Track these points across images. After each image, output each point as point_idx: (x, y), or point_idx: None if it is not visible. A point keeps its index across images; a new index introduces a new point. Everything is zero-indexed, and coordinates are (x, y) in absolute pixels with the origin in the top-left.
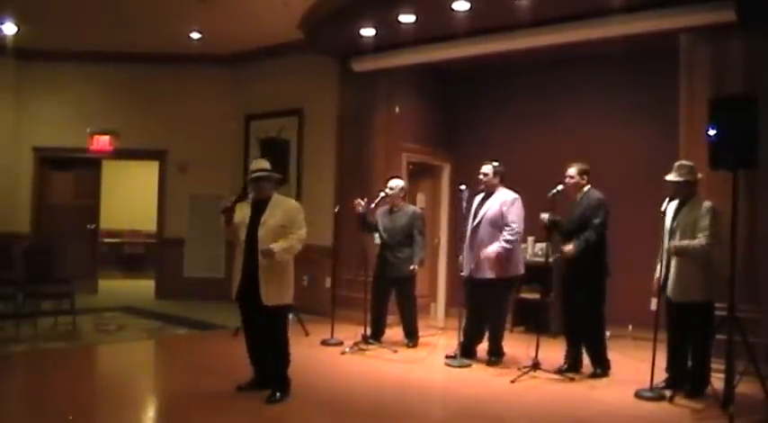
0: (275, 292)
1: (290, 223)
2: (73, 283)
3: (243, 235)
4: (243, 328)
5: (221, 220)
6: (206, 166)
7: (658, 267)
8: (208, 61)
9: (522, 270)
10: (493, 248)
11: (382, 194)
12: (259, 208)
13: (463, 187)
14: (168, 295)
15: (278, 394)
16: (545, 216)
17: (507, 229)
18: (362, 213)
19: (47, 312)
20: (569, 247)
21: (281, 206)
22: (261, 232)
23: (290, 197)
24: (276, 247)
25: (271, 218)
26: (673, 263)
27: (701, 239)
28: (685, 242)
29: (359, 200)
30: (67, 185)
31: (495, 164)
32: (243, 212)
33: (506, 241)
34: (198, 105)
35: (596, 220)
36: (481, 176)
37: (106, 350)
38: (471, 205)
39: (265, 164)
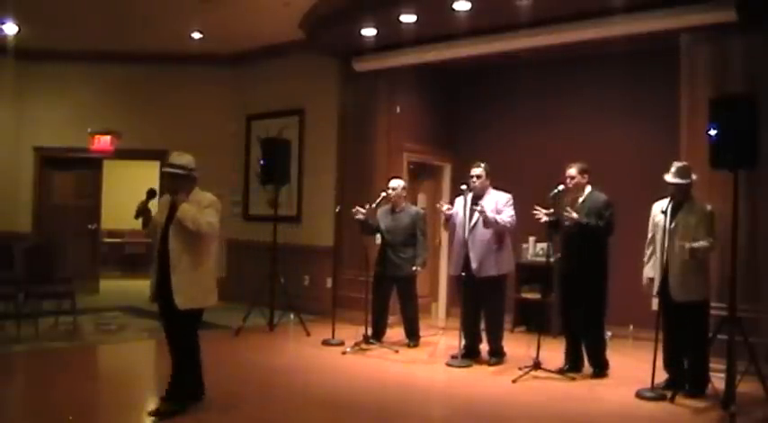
0: (190, 296)
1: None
2: (74, 283)
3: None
4: (165, 334)
5: (141, 222)
6: (206, 166)
7: (649, 267)
8: (209, 61)
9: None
10: (496, 217)
11: (383, 194)
12: (174, 206)
13: (464, 187)
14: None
15: (168, 407)
16: (542, 212)
17: (505, 214)
18: (363, 219)
19: (48, 312)
20: (573, 215)
21: (197, 201)
22: (171, 230)
23: (291, 196)
24: (188, 206)
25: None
26: (676, 263)
27: (712, 242)
28: (698, 244)
29: (357, 208)
30: (68, 185)
31: (485, 165)
32: (161, 212)
33: (504, 222)
34: (199, 105)
35: (607, 213)
36: (474, 179)
37: (107, 350)
38: (459, 207)
39: (180, 158)
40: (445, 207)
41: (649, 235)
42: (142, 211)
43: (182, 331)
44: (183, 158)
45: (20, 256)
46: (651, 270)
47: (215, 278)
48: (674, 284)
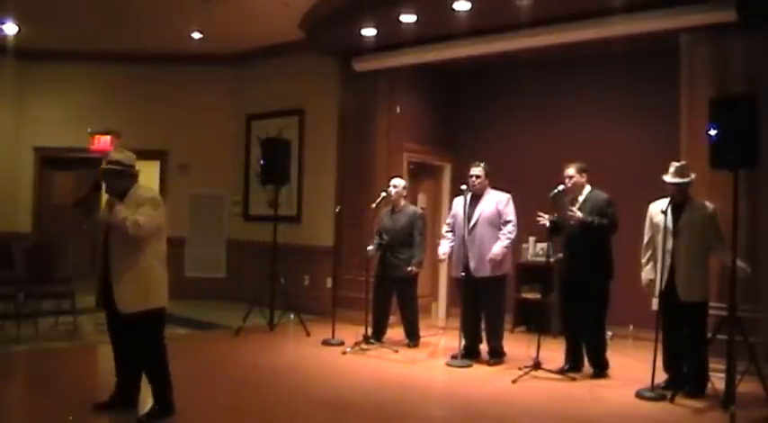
0: (133, 298)
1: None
2: (74, 283)
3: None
4: (110, 337)
5: (78, 214)
6: (207, 167)
7: (648, 268)
8: (209, 61)
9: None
10: (498, 249)
11: (383, 194)
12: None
13: (464, 187)
14: (169, 295)
15: (154, 415)
16: (545, 217)
17: (507, 227)
18: (377, 247)
19: (48, 312)
20: (578, 215)
21: (134, 200)
22: (110, 233)
23: (290, 196)
24: (116, 214)
25: (120, 213)
26: (683, 264)
27: (725, 248)
28: (721, 254)
29: (369, 248)
30: (68, 185)
31: (484, 165)
32: (105, 211)
33: (508, 240)
34: (199, 105)
35: (609, 211)
36: (473, 179)
37: (107, 350)
38: (459, 207)
39: (118, 154)
40: (442, 254)
41: (647, 236)
42: (82, 201)
43: (136, 337)
44: (121, 154)
45: (20, 256)
46: (651, 271)
47: (164, 277)
48: (682, 285)
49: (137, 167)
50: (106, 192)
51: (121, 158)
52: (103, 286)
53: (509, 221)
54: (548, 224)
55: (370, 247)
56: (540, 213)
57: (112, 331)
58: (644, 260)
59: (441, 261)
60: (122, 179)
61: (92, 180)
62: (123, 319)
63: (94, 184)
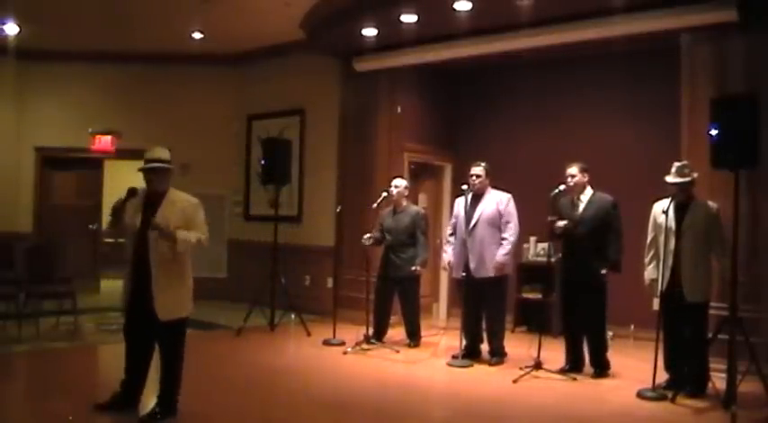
0: (172, 305)
1: (185, 224)
2: (75, 283)
3: (132, 238)
4: (125, 337)
5: (109, 221)
6: (208, 167)
7: (652, 267)
8: (210, 61)
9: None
10: (501, 258)
11: (384, 194)
12: (152, 207)
13: (465, 187)
14: None
15: (158, 415)
16: (560, 223)
17: (508, 230)
18: (374, 240)
19: (49, 312)
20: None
21: (177, 205)
22: (153, 236)
23: (291, 196)
24: (180, 233)
25: (164, 219)
26: (688, 265)
27: (726, 256)
28: (720, 258)
29: (366, 236)
30: (69, 185)
31: (485, 164)
32: (133, 211)
33: (510, 245)
34: (200, 105)
35: (617, 225)
36: (474, 178)
37: (108, 350)
38: (460, 207)
39: (162, 152)
40: (446, 262)
41: (650, 236)
42: (122, 208)
43: (168, 344)
44: (161, 152)
45: (21, 257)
46: (654, 271)
47: (192, 285)
48: (687, 286)
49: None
50: (149, 190)
51: (166, 156)
52: (138, 292)
53: (509, 222)
54: (560, 228)
55: (367, 236)
56: (559, 223)
57: (131, 333)
58: (647, 260)
59: (444, 269)
60: (168, 177)
61: (128, 188)
62: (158, 325)
63: (131, 190)
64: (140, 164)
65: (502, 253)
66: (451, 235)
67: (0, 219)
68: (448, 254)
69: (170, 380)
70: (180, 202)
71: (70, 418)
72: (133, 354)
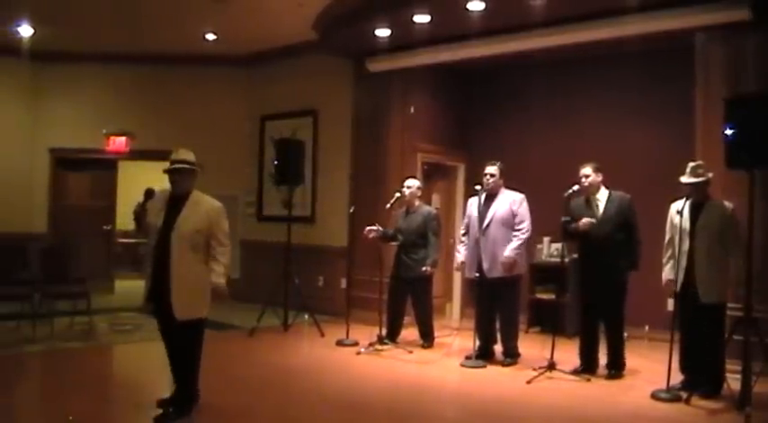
0: (188, 306)
1: (208, 228)
2: (89, 284)
3: (153, 237)
4: (162, 338)
5: (135, 227)
6: (221, 167)
7: (669, 267)
8: (223, 62)
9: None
10: (509, 252)
11: (397, 195)
12: (175, 207)
13: (478, 187)
14: None
15: (171, 416)
16: (586, 220)
17: (520, 229)
18: (380, 235)
19: (63, 312)
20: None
21: (201, 207)
22: (175, 237)
23: (304, 196)
24: (221, 281)
25: (187, 220)
26: (703, 265)
27: (741, 256)
28: (739, 264)
29: (369, 228)
30: (83, 186)
31: (499, 164)
32: (157, 211)
33: (520, 241)
34: (213, 106)
35: (634, 222)
36: (488, 178)
37: (122, 350)
38: (474, 207)
39: (187, 154)
40: (459, 262)
41: (667, 236)
42: (142, 211)
43: (185, 342)
44: (189, 154)
45: (35, 257)
46: (671, 271)
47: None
48: (701, 286)
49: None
50: (174, 191)
51: (191, 158)
52: (157, 288)
53: (522, 222)
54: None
55: (370, 228)
56: (566, 218)
57: (165, 334)
58: (664, 260)
59: (457, 269)
60: (193, 178)
61: (145, 189)
62: (175, 324)
63: (148, 191)
64: (154, 164)
65: (511, 248)
66: (464, 235)
67: (15, 219)
68: (461, 254)
69: (185, 380)
70: (204, 205)
71: (70, 417)
72: (168, 352)
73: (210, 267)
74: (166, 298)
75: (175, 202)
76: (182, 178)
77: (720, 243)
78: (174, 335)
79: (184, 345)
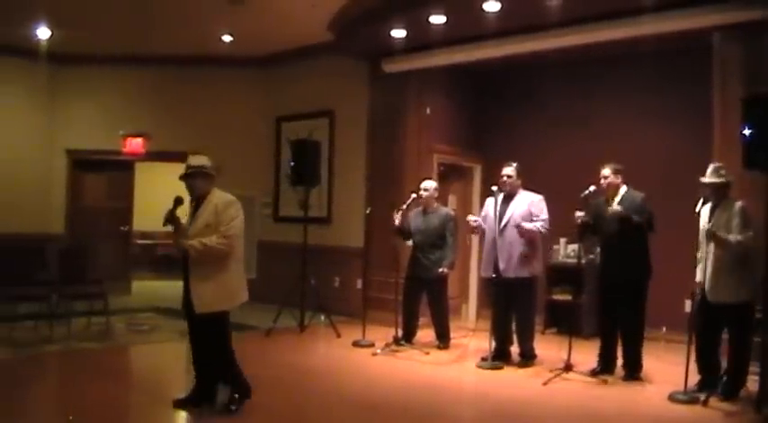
0: (208, 300)
1: (215, 221)
2: (106, 284)
3: None
4: (189, 335)
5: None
6: (237, 168)
7: (699, 269)
8: (239, 63)
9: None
10: (528, 225)
11: (413, 196)
12: (197, 209)
13: (495, 188)
14: None
15: (235, 396)
16: (579, 214)
17: (542, 222)
18: (400, 225)
19: (80, 313)
20: (617, 208)
21: (212, 202)
22: (190, 235)
23: (321, 197)
24: (186, 241)
25: (199, 217)
26: (712, 264)
27: (735, 236)
28: (724, 235)
29: (394, 214)
30: (100, 187)
31: (516, 164)
32: (188, 215)
33: (541, 227)
34: (229, 107)
35: (647, 209)
36: (505, 178)
37: (139, 351)
38: (491, 207)
39: (199, 159)
40: (472, 219)
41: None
42: (170, 219)
43: (209, 336)
44: (204, 159)
45: (53, 258)
46: (700, 274)
47: (242, 279)
48: (708, 285)
49: (214, 169)
50: (190, 195)
51: (202, 163)
52: (185, 289)
53: (543, 219)
54: (580, 221)
55: (474, 217)
56: (578, 213)
57: (191, 331)
58: (697, 261)
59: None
60: (207, 182)
61: (174, 196)
62: (198, 318)
63: (177, 199)
64: (170, 165)
65: (531, 225)
66: (475, 221)
67: (32, 220)
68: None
69: (223, 366)
70: (214, 200)
71: (70, 417)
72: (193, 348)
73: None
74: (188, 295)
75: (197, 204)
76: (195, 182)
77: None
78: (196, 330)
79: (207, 339)
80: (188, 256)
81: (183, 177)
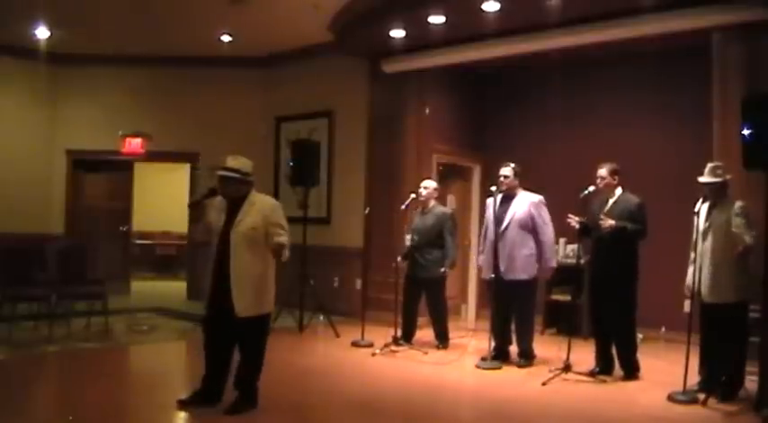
0: (251, 303)
1: (263, 223)
2: (105, 285)
3: (216, 238)
4: (204, 333)
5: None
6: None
7: (690, 270)
8: (239, 63)
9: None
10: (552, 261)
11: (412, 196)
12: (234, 210)
13: (494, 188)
14: (200, 296)
15: (243, 402)
16: (575, 219)
17: (545, 234)
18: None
19: (80, 313)
20: (611, 222)
21: (255, 205)
22: (233, 236)
23: (320, 197)
24: (282, 239)
25: (243, 220)
26: (707, 263)
27: (748, 237)
28: (739, 231)
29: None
30: (100, 188)
31: (513, 165)
32: (218, 212)
33: (549, 247)
34: (229, 107)
35: (641, 215)
36: (502, 179)
37: (138, 351)
38: (491, 208)
39: (235, 161)
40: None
41: (692, 238)
42: (197, 204)
43: (249, 340)
44: (237, 162)
45: (52, 258)
46: (690, 275)
47: (273, 283)
48: (703, 285)
49: (253, 174)
50: (222, 196)
51: (239, 167)
52: (219, 290)
53: (546, 225)
54: (577, 226)
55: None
56: (570, 215)
57: (211, 330)
58: (690, 261)
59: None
60: (240, 186)
61: (208, 187)
62: (238, 322)
63: (211, 190)
64: (169, 166)
65: (548, 258)
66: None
67: (32, 220)
68: (480, 258)
69: (252, 373)
70: (257, 203)
71: (70, 418)
72: (213, 350)
73: (275, 240)
74: (228, 297)
75: (234, 205)
76: (227, 185)
77: (728, 241)
78: (236, 333)
79: (248, 342)
80: (228, 259)
81: (220, 178)
